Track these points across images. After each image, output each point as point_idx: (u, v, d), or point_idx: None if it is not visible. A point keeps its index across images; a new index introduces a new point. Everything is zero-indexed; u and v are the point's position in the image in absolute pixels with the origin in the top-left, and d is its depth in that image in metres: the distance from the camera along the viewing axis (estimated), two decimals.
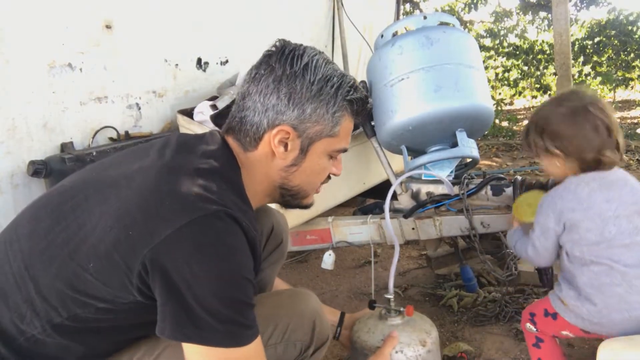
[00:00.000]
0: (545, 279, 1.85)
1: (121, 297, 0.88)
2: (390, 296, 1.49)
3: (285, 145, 1.03)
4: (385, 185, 1.89)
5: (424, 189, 1.96)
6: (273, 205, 1.48)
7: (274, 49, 1.04)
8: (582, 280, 1.29)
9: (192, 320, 0.83)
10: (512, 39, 10.11)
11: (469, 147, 1.80)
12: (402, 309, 1.48)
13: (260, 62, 1.04)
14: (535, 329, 1.44)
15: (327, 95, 1.02)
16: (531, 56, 9.09)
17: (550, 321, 1.39)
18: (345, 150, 1.11)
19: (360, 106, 1.08)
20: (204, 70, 2.49)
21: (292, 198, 1.12)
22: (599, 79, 7.94)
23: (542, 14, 9.90)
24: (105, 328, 0.93)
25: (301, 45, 1.05)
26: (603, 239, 1.25)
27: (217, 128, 1.47)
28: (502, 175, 1.91)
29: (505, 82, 9.54)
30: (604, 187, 1.28)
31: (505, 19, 10.45)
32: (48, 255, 0.90)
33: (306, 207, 1.17)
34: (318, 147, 1.05)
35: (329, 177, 1.15)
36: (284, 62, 1.01)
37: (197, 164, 0.95)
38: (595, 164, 1.29)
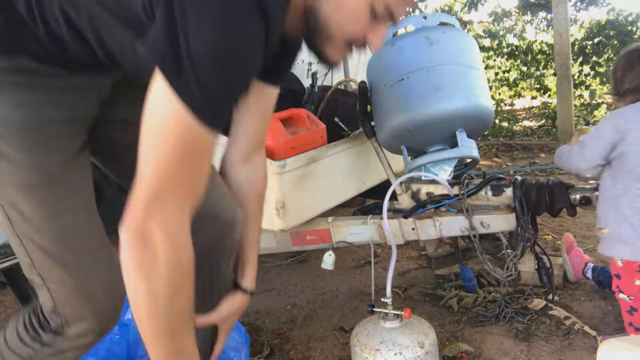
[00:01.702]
0: (546, 278, 1.86)
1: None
2: (388, 300, 1.51)
3: None
4: (385, 185, 1.89)
5: (424, 189, 1.96)
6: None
7: None
8: (624, 200, 1.42)
9: (174, 54, 0.76)
10: (511, 39, 10.12)
11: (469, 147, 1.80)
12: (400, 312, 1.49)
13: None
14: (628, 298, 1.52)
15: None
16: (530, 56, 9.09)
17: (621, 281, 1.50)
18: (392, 18, 0.92)
19: None
20: None
21: (315, 31, 0.93)
22: (598, 79, 7.94)
23: (541, 14, 9.90)
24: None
25: None
26: None
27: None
28: (502, 176, 1.91)
29: (505, 83, 9.54)
30: None
31: (505, 19, 10.46)
32: None
33: (326, 59, 0.97)
34: None
35: (364, 44, 0.96)
36: None
37: None
38: None
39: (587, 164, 1.52)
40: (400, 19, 0.94)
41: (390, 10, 0.90)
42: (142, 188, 0.81)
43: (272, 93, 1.19)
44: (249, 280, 1.25)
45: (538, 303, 1.94)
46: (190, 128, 0.78)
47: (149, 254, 0.82)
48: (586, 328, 1.77)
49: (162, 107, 0.78)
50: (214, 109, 0.80)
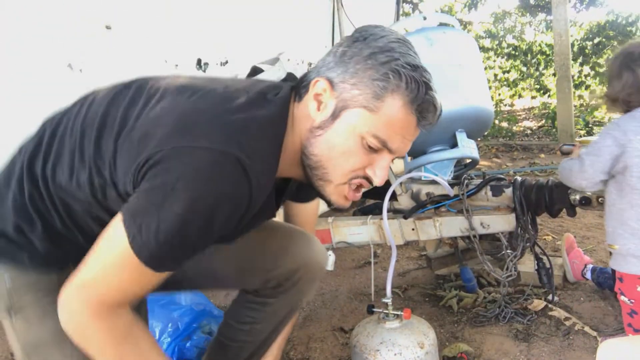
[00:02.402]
0: (546, 279, 1.86)
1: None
2: (388, 300, 1.51)
3: (319, 103, 0.92)
4: (385, 185, 1.89)
5: (424, 189, 1.96)
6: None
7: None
8: (630, 215, 1.39)
9: (139, 210, 0.82)
10: (510, 39, 10.12)
11: (468, 148, 1.80)
12: (400, 312, 1.49)
13: None
14: (628, 301, 1.51)
15: (377, 61, 0.88)
16: (530, 57, 9.11)
17: (623, 284, 1.49)
18: (388, 149, 0.90)
19: (416, 91, 0.88)
20: (204, 71, 2.49)
21: (311, 172, 0.95)
22: (598, 79, 7.95)
23: (541, 15, 9.91)
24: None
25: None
26: None
27: None
28: (501, 176, 1.91)
29: (505, 83, 9.56)
30: None
31: (505, 19, 10.47)
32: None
33: (324, 198, 0.98)
34: (350, 117, 0.89)
35: (367, 180, 0.94)
36: (358, 32, 0.95)
37: (251, 101, 0.90)
38: None
39: (588, 181, 1.48)
40: (398, 148, 0.91)
41: (384, 142, 0.89)
42: (83, 273, 0.85)
43: (311, 205, 1.39)
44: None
45: (538, 304, 1.94)
46: (137, 266, 0.83)
47: (77, 325, 0.86)
48: (587, 329, 1.77)
49: (118, 235, 0.82)
50: (163, 260, 0.84)
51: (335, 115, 0.90)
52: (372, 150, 0.90)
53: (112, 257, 0.83)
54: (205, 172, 0.80)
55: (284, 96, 0.95)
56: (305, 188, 1.10)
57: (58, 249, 0.97)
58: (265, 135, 0.88)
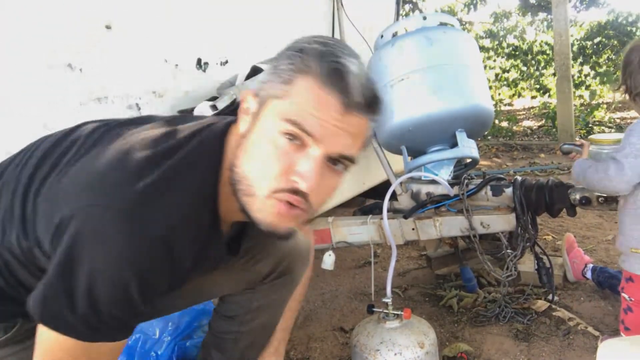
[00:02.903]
0: (546, 278, 1.86)
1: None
2: (388, 300, 1.51)
3: (246, 113, 0.86)
4: (386, 185, 1.89)
5: (424, 189, 1.96)
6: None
7: None
8: None
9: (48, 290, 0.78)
10: (511, 39, 10.13)
11: (468, 148, 1.80)
12: (400, 312, 1.49)
13: None
14: (628, 298, 1.52)
15: (285, 52, 0.83)
16: (530, 57, 9.11)
17: (631, 285, 1.49)
18: (307, 132, 0.78)
19: (326, 64, 0.78)
20: (204, 71, 2.49)
21: (237, 190, 0.83)
22: (598, 79, 7.95)
23: (542, 15, 9.91)
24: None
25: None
26: None
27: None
28: (501, 176, 1.91)
29: (505, 83, 9.56)
30: None
31: (505, 19, 10.47)
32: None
33: (254, 221, 0.84)
34: (267, 112, 0.81)
35: (295, 193, 0.80)
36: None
37: (170, 150, 0.82)
38: None
39: (625, 184, 1.42)
40: (320, 133, 0.78)
41: (299, 124, 0.78)
42: None
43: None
44: (268, 353, 1.43)
45: (541, 305, 1.93)
46: (86, 347, 0.79)
47: None
48: (590, 329, 1.77)
49: (43, 335, 0.79)
50: (97, 332, 0.79)
51: (255, 117, 0.83)
52: (293, 146, 0.79)
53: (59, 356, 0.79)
54: (113, 233, 0.74)
55: (215, 130, 0.88)
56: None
57: (3, 306, 0.94)
58: (186, 186, 0.81)
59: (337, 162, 0.83)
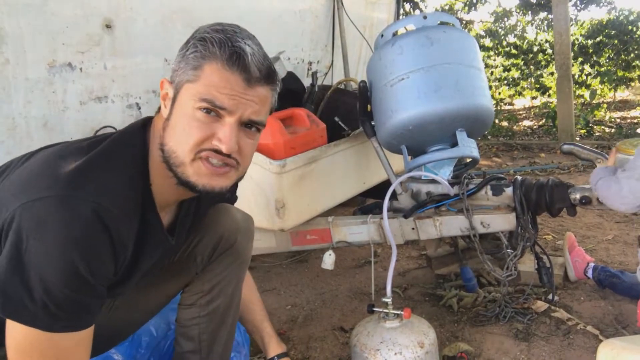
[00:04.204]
0: (546, 278, 1.86)
1: None
2: (388, 299, 1.51)
3: (165, 99, 1.00)
4: (386, 185, 1.89)
5: (424, 188, 1.96)
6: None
7: None
8: None
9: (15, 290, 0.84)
10: (511, 39, 10.11)
11: (469, 147, 1.80)
12: (400, 312, 1.49)
13: None
14: None
15: (189, 41, 0.98)
16: (531, 56, 9.09)
17: None
18: (220, 107, 0.93)
19: (225, 47, 0.93)
20: None
21: (169, 165, 0.97)
22: (598, 78, 7.93)
23: (542, 14, 9.90)
24: None
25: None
26: None
27: None
28: (502, 175, 1.92)
29: (505, 82, 9.54)
30: None
31: (505, 19, 10.46)
32: None
33: (191, 186, 0.97)
34: (183, 95, 0.95)
35: (214, 152, 0.95)
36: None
37: (92, 143, 0.96)
38: None
39: (628, 205, 1.38)
40: (232, 106, 0.93)
41: (211, 101, 0.92)
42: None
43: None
44: (273, 348, 1.50)
45: (541, 305, 1.93)
46: (50, 338, 0.86)
47: None
48: (589, 328, 1.77)
49: (10, 330, 0.86)
50: (57, 319, 0.86)
51: (173, 101, 0.97)
52: (210, 118, 0.94)
53: (29, 350, 0.86)
54: (51, 220, 0.83)
55: (135, 124, 1.02)
56: (203, 204, 1.20)
57: None
58: (112, 166, 0.93)
59: (250, 126, 0.99)
